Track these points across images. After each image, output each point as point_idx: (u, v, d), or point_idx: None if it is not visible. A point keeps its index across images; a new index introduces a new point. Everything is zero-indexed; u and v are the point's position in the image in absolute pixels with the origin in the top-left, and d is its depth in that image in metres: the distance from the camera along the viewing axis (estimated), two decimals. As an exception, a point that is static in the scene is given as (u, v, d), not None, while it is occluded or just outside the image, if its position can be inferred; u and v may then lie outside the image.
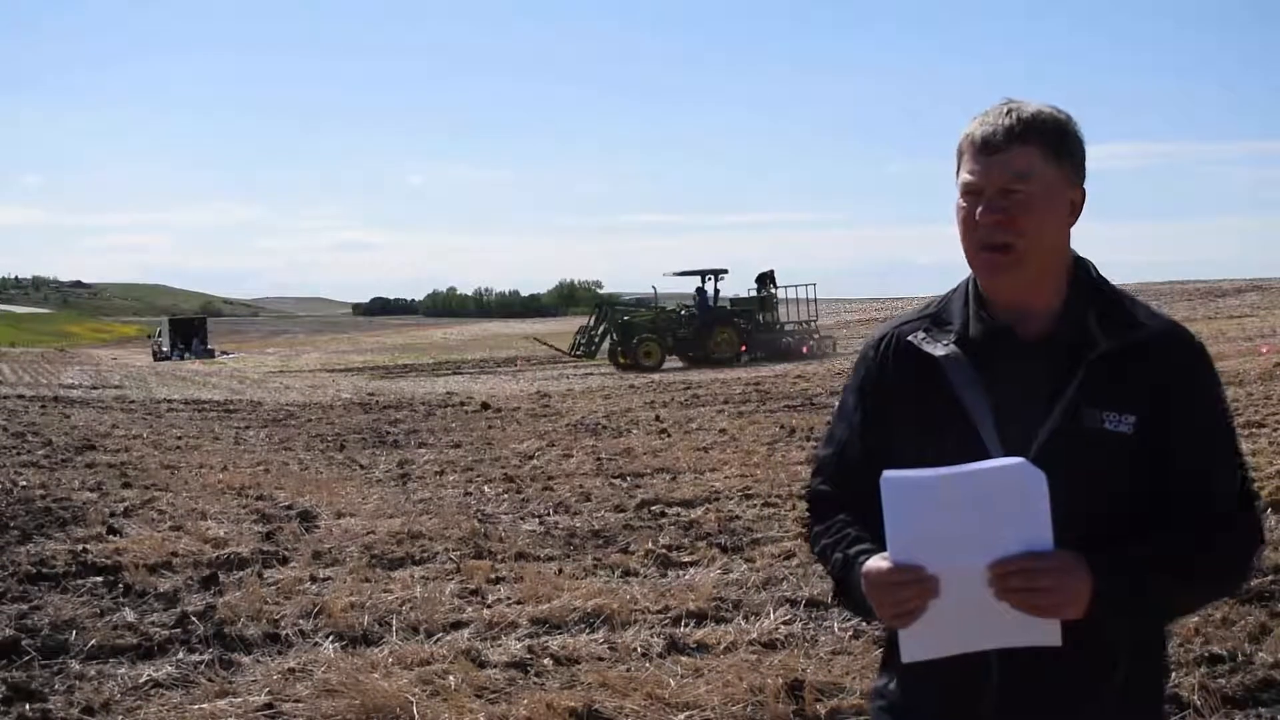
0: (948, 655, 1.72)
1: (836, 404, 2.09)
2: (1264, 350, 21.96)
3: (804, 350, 33.28)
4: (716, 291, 35.03)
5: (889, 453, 1.90)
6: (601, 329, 35.14)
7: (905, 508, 1.69)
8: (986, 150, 1.80)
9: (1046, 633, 1.67)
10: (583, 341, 35.77)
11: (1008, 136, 1.79)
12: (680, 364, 32.94)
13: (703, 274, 34.70)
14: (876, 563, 1.75)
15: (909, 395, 1.89)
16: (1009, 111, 1.81)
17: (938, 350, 1.88)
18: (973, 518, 1.66)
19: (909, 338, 1.93)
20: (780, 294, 35.86)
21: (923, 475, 1.68)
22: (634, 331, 33.31)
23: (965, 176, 1.83)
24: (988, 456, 1.78)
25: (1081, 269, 1.89)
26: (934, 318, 1.93)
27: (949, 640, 1.71)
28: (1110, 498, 1.78)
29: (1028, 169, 1.78)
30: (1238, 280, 58.96)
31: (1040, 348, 1.83)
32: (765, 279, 35.76)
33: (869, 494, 1.87)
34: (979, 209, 1.80)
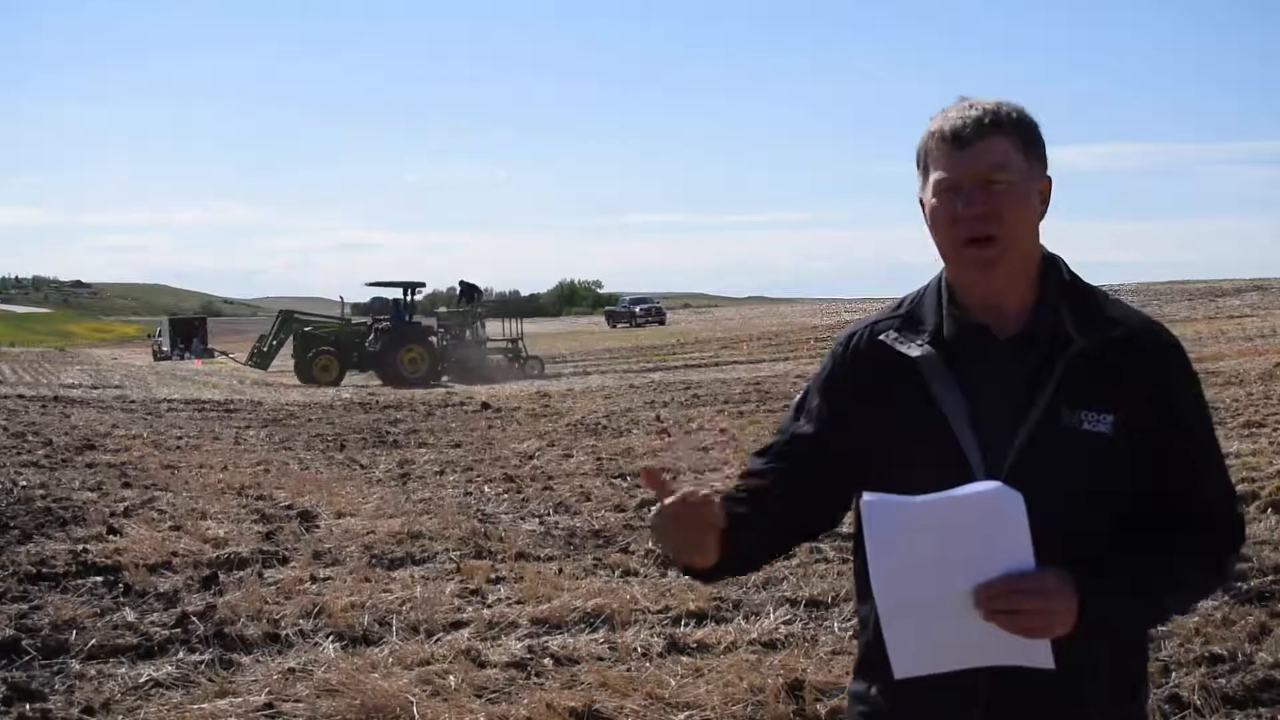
0: (939, 672, 1.72)
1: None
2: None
3: (514, 369, 31.01)
4: (412, 305, 32.25)
5: (856, 454, 1.86)
6: (279, 339, 33.31)
7: (887, 532, 1.67)
8: (959, 144, 1.77)
9: (1038, 654, 1.67)
10: (258, 351, 34.02)
11: (978, 128, 1.77)
12: (376, 381, 30.11)
13: (402, 286, 32.34)
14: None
15: (882, 396, 1.85)
16: (972, 106, 1.80)
17: (913, 350, 1.84)
18: (955, 542, 1.65)
19: (880, 336, 1.89)
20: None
21: (903, 500, 1.66)
22: (312, 344, 31.47)
23: (938, 174, 1.79)
24: (964, 459, 1.76)
25: (1052, 265, 1.86)
26: (906, 317, 1.89)
27: (940, 657, 1.71)
28: (1090, 497, 1.75)
29: (1004, 158, 1.77)
30: (1238, 280, 58.92)
31: (1015, 346, 1.81)
32: (469, 292, 33.67)
33: (810, 482, 1.90)
34: (959, 204, 1.77)
